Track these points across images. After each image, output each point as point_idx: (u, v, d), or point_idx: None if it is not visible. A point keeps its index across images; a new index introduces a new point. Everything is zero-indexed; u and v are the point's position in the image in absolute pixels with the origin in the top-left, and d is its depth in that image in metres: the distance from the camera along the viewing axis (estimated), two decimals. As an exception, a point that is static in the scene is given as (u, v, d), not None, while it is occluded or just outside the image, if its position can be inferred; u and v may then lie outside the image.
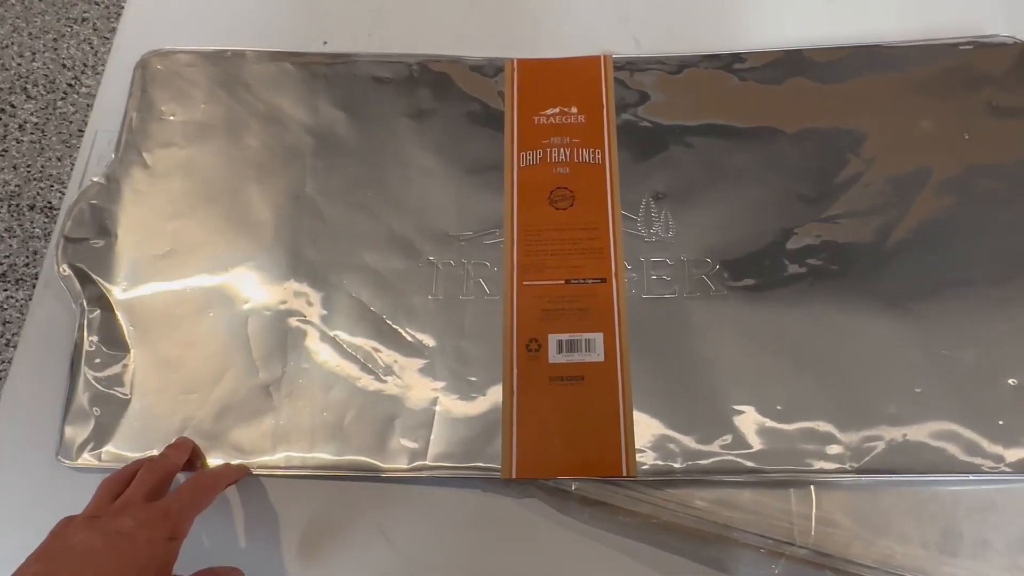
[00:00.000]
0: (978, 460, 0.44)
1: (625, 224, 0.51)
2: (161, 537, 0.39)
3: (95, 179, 0.53)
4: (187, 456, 0.46)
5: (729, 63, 0.56)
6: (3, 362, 1.12)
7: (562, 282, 0.50)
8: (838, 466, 0.44)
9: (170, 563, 0.40)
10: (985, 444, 0.44)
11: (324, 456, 0.47)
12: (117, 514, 0.39)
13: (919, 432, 0.45)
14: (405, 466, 0.46)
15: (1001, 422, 0.45)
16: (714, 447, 0.45)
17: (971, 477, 0.44)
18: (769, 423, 0.46)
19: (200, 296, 0.50)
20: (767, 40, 0.57)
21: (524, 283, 0.50)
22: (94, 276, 0.51)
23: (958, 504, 0.44)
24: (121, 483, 0.42)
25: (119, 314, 0.50)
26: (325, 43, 0.59)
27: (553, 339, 0.48)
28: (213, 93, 0.56)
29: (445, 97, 0.56)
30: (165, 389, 0.49)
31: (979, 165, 0.52)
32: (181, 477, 0.46)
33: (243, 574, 0.43)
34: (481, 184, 0.53)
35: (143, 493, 0.41)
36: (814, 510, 0.44)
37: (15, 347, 1.09)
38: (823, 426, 0.45)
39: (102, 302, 0.50)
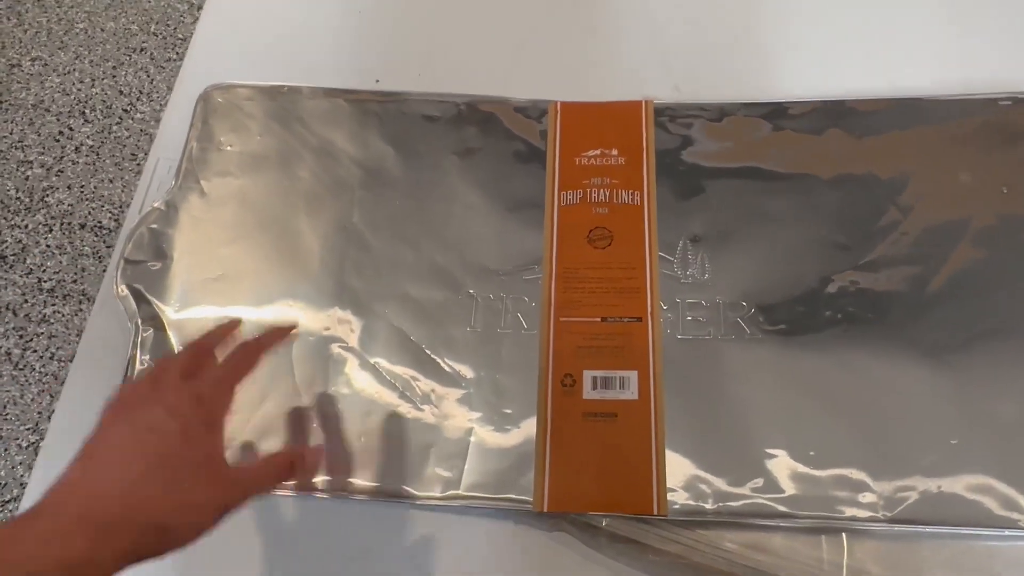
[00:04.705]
0: (1015, 515, 0.44)
1: (662, 265, 0.52)
2: (196, 426, 0.35)
3: (155, 204, 0.56)
4: (229, 332, 0.42)
5: (770, 111, 0.57)
6: (48, 375, 1.15)
7: (598, 319, 0.51)
8: (871, 515, 0.44)
9: (215, 456, 0.35)
10: (1022, 500, 0.44)
11: (359, 481, 0.48)
12: (147, 401, 0.35)
13: (954, 484, 0.45)
14: (438, 494, 0.47)
15: (1039, 478, 0.45)
16: (745, 490, 0.46)
17: (1007, 532, 0.44)
18: (801, 468, 0.46)
19: (247, 319, 0.52)
20: (806, 91, 0.58)
21: (561, 319, 0.51)
22: (149, 297, 0.53)
23: (994, 559, 0.44)
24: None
25: (170, 333, 0.52)
26: (377, 81, 0.61)
27: (588, 375, 0.49)
28: (269, 126, 0.59)
29: (490, 136, 0.58)
30: (211, 408, 0.50)
31: (1018, 217, 0.52)
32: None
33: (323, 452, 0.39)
34: (522, 221, 0.54)
35: (177, 372, 0.37)
36: (845, 558, 0.44)
37: (60, 360, 1.13)
38: (856, 474, 0.45)
39: (155, 322, 0.52)
